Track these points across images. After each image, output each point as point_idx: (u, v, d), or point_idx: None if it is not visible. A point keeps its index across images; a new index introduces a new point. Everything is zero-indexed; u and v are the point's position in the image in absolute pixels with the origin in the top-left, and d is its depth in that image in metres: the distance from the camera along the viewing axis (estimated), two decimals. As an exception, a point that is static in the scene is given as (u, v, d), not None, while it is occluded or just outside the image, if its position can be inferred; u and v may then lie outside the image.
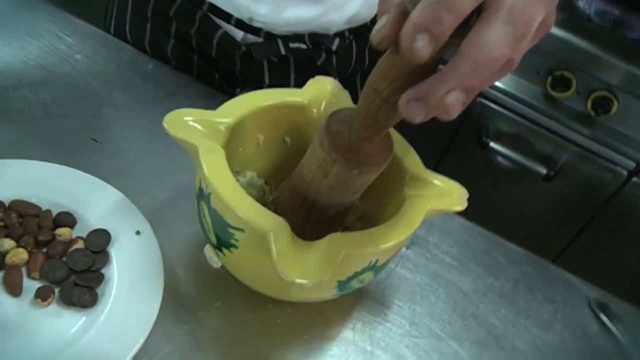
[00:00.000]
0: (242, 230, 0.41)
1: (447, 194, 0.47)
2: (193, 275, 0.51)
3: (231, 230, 0.41)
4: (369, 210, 0.53)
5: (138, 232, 0.50)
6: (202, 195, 0.44)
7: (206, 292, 0.51)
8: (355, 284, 0.45)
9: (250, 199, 0.40)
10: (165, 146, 0.59)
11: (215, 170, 0.42)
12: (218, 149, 0.43)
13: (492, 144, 1.27)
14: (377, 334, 0.52)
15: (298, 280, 0.36)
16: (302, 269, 0.36)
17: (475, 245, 0.64)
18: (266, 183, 0.52)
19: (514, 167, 1.30)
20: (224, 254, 0.44)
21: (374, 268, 0.44)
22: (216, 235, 0.44)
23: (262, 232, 0.38)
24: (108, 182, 0.54)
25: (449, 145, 1.39)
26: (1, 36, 0.67)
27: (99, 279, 0.47)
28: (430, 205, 0.45)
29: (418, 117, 0.31)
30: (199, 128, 0.44)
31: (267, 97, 0.50)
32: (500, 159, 1.32)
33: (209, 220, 0.44)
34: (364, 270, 0.43)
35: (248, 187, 0.51)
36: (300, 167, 0.44)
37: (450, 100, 0.30)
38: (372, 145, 0.39)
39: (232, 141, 0.47)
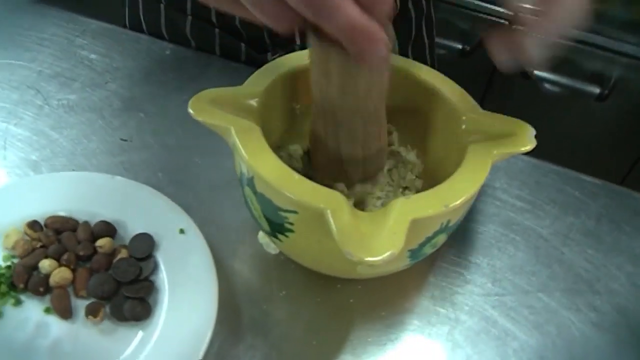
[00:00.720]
0: (295, 212, 0.36)
1: (511, 134, 0.41)
2: (250, 266, 0.48)
3: (283, 214, 0.37)
4: (428, 166, 0.48)
5: (182, 231, 0.47)
6: (245, 180, 0.39)
7: (268, 282, 0.47)
8: (427, 250, 0.40)
9: (297, 176, 0.36)
10: (197, 134, 0.55)
11: (254, 150, 0.37)
12: (252, 127, 0.39)
13: (536, 72, 1.18)
14: (458, 298, 0.47)
15: (367, 259, 0.31)
16: (369, 245, 0.32)
17: (547, 184, 0.58)
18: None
19: (564, 92, 1.22)
20: (280, 240, 0.40)
21: (446, 229, 0.39)
22: (268, 221, 0.39)
23: (318, 210, 0.34)
24: (142, 182, 0.50)
25: (491, 82, 1.31)
26: (11, 49, 0.64)
27: (149, 288, 0.44)
28: (496, 150, 0.40)
29: None
30: (227, 108, 0.40)
31: (295, 60, 0.45)
32: (547, 86, 1.23)
33: (257, 206, 0.40)
34: (435, 234, 0.38)
35: (292, 161, 0.47)
36: (312, 93, 0.40)
37: None
38: None
39: (267, 115, 0.42)
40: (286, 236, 0.39)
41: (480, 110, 0.43)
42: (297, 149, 0.47)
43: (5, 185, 0.48)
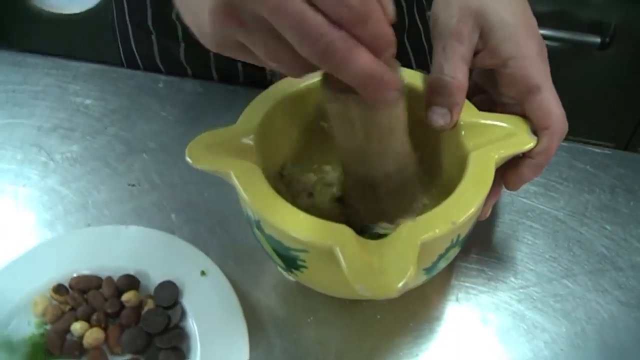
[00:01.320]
0: (306, 251, 0.37)
1: (511, 134, 0.41)
2: (274, 295, 0.48)
3: (294, 253, 0.37)
4: (432, 174, 0.48)
5: (203, 273, 0.47)
6: (253, 222, 0.40)
7: (294, 310, 0.47)
8: (442, 264, 0.40)
9: (302, 214, 0.36)
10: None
11: (256, 193, 0.37)
12: (252, 168, 0.39)
13: (534, 31, 1.16)
14: (483, 297, 0.48)
15: (381, 295, 0.32)
16: (381, 279, 0.32)
17: (557, 162, 0.57)
18: None
19: (564, 45, 1.20)
20: (296, 275, 0.41)
21: (458, 242, 0.39)
22: (281, 259, 0.40)
23: (327, 248, 0.34)
24: (156, 226, 0.51)
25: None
26: (8, 108, 0.64)
27: (180, 335, 0.45)
28: (497, 154, 0.40)
29: None
30: (224, 150, 0.40)
31: (286, 86, 0.45)
32: (547, 42, 1.21)
33: (268, 246, 0.40)
34: (448, 250, 0.39)
35: (323, 187, 0.47)
36: (337, 141, 0.40)
37: None
38: None
39: (267, 147, 0.43)
40: (301, 271, 0.39)
41: (476, 111, 0.43)
42: (329, 170, 0.48)
43: (26, 253, 0.49)
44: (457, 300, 0.48)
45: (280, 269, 0.48)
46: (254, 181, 0.38)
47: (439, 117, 0.41)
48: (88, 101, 0.64)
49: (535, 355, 0.44)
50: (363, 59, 0.29)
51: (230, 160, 0.40)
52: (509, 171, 0.42)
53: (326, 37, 0.28)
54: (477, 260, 0.50)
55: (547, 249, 0.50)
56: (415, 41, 0.74)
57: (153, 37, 0.68)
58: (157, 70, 0.70)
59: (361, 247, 0.34)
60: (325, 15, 0.28)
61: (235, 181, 0.38)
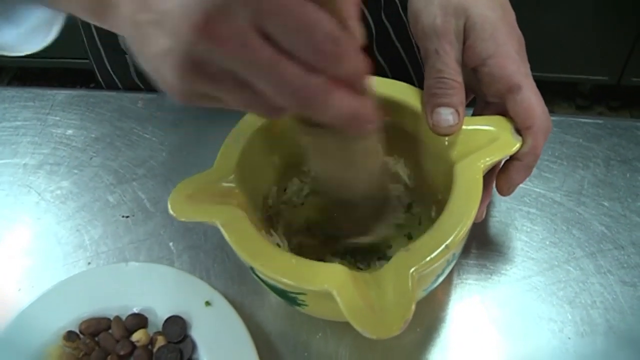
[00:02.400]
0: (304, 293, 0.37)
1: (495, 138, 0.40)
2: (280, 315, 0.49)
3: (293, 295, 0.37)
4: (420, 181, 0.48)
5: (208, 303, 0.48)
6: (248, 267, 0.39)
7: (302, 327, 0.48)
8: (440, 279, 0.40)
9: (295, 259, 0.36)
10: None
11: (245, 242, 0.37)
12: (237, 215, 0.38)
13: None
14: (487, 292, 0.48)
15: (385, 337, 0.32)
16: (382, 320, 0.32)
17: (549, 139, 0.56)
18: None
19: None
20: (298, 309, 0.41)
21: (453, 259, 0.39)
22: (282, 297, 0.40)
23: (324, 292, 0.34)
24: (155, 258, 0.51)
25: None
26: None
27: (195, 369, 0.45)
28: (483, 162, 0.39)
29: None
30: (206, 197, 0.39)
31: (256, 118, 0.44)
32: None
33: (267, 287, 0.40)
34: (444, 269, 0.39)
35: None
36: (312, 169, 0.40)
37: None
38: None
39: (249, 182, 0.42)
40: (302, 308, 0.39)
41: None
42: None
43: (33, 303, 0.49)
44: (461, 298, 0.48)
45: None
46: (241, 228, 0.38)
47: (445, 118, 0.40)
48: (69, 131, 0.64)
49: (544, 346, 0.45)
50: (342, 101, 0.28)
51: (214, 208, 0.39)
52: (499, 177, 0.42)
53: (302, 85, 0.27)
54: (478, 255, 0.50)
55: (546, 234, 0.51)
56: (393, 16, 0.72)
57: (127, 57, 0.66)
58: (136, 88, 0.68)
59: (358, 285, 0.34)
60: (298, 59, 0.27)
61: (223, 232, 0.38)
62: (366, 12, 0.64)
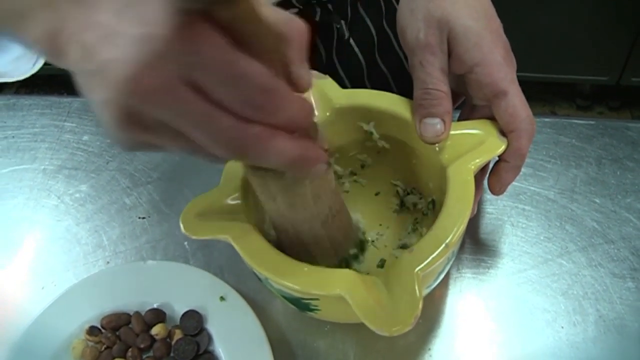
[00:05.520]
0: (317, 299, 0.39)
1: (482, 141, 0.43)
2: (292, 309, 0.51)
3: (306, 301, 0.40)
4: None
5: (222, 298, 0.51)
6: (261, 278, 0.42)
7: (310, 320, 0.51)
8: (441, 276, 0.43)
9: (306, 267, 0.38)
10: (203, 191, 0.58)
11: (258, 254, 0.40)
12: (246, 229, 0.41)
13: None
14: (484, 285, 0.51)
15: (398, 333, 0.34)
16: (394, 317, 0.35)
17: (543, 140, 0.60)
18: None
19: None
20: (313, 314, 0.44)
21: (453, 257, 0.42)
22: (295, 305, 0.43)
23: (336, 296, 0.37)
24: (171, 256, 0.54)
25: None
26: (10, 155, 0.66)
27: (211, 359, 0.48)
28: (473, 164, 0.42)
29: None
30: (215, 214, 0.42)
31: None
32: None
33: (279, 296, 0.43)
34: (445, 266, 0.42)
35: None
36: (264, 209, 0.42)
37: None
38: None
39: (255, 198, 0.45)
40: (315, 313, 0.42)
41: None
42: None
43: (58, 299, 0.52)
44: (460, 291, 0.51)
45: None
46: (252, 241, 0.40)
47: (432, 128, 0.42)
48: (85, 137, 0.67)
49: (539, 335, 0.48)
50: (281, 147, 0.28)
51: (224, 224, 0.41)
52: (490, 178, 0.45)
53: (237, 135, 0.27)
54: (476, 250, 0.53)
55: (541, 230, 0.53)
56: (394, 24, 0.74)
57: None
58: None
59: (368, 287, 0.37)
60: (231, 111, 0.27)
61: (235, 245, 0.40)
62: (367, 19, 0.67)
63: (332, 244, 0.44)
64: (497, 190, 0.45)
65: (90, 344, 0.50)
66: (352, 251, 0.47)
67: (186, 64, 0.26)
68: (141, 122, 0.27)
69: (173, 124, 0.27)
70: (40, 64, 0.44)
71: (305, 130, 0.31)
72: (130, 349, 0.49)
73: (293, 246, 0.43)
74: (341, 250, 0.46)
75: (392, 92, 0.47)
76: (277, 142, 0.28)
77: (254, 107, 0.27)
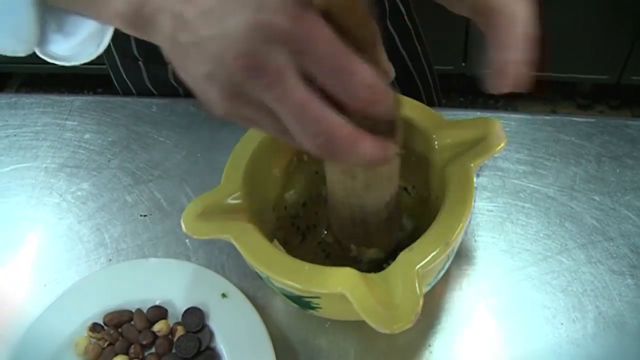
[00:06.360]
0: (318, 297, 0.40)
1: (481, 138, 0.43)
2: (293, 307, 0.52)
3: (307, 299, 0.41)
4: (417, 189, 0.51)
5: (224, 295, 0.51)
6: (263, 276, 0.42)
7: (311, 318, 0.51)
8: (441, 274, 0.44)
9: (307, 266, 0.39)
10: (203, 189, 0.58)
11: (258, 254, 0.40)
12: (247, 228, 0.41)
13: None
14: (484, 282, 0.51)
15: (399, 330, 0.35)
16: (394, 315, 0.35)
17: (543, 138, 0.60)
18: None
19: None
20: (314, 312, 0.44)
21: (453, 254, 0.43)
22: (296, 303, 0.43)
23: (337, 294, 0.37)
24: (173, 254, 0.55)
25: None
26: (12, 153, 0.67)
27: (212, 356, 0.48)
28: (473, 162, 0.42)
29: None
30: (216, 214, 0.42)
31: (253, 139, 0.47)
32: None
33: (281, 294, 0.43)
34: (445, 264, 0.42)
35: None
36: (330, 188, 0.42)
37: None
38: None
39: (255, 196, 0.46)
40: (316, 311, 0.43)
41: (445, 120, 0.45)
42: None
43: (61, 296, 0.53)
44: (460, 288, 0.51)
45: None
46: (253, 240, 0.41)
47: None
48: (87, 136, 0.67)
49: (538, 332, 0.48)
50: (364, 151, 0.29)
51: (225, 224, 0.42)
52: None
53: (327, 133, 0.28)
54: (476, 247, 0.53)
55: (540, 227, 0.54)
56: (398, 23, 0.75)
57: (140, 63, 0.69)
58: (150, 94, 0.72)
59: (368, 285, 0.37)
60: (331, 100, 0.28)
61: (237, 245, 0.41)
62: None
63: (390, 226, 0.45)
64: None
65: (93, 340, 0.51)
66: None
67: (297, 50, 0.27)
68: (246, 98, 0.29)
69: (271, 106, 0.28)
70: (104, 45, 0.44)
71: (388, 127, 0.32)
72: (132, 346, 0.50)
73: (353, 225, 0.43)
74: (396, 229, 0.47)
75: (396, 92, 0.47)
76: (362, 146, 0.29)
77: (356, 100, 0.28)
